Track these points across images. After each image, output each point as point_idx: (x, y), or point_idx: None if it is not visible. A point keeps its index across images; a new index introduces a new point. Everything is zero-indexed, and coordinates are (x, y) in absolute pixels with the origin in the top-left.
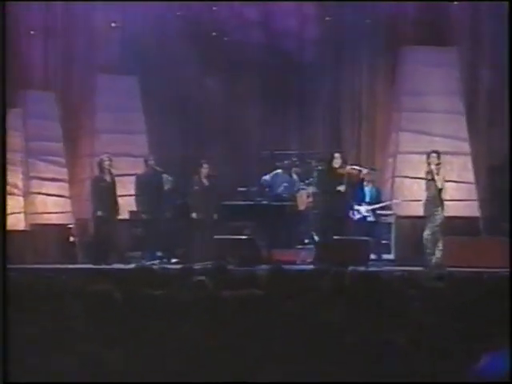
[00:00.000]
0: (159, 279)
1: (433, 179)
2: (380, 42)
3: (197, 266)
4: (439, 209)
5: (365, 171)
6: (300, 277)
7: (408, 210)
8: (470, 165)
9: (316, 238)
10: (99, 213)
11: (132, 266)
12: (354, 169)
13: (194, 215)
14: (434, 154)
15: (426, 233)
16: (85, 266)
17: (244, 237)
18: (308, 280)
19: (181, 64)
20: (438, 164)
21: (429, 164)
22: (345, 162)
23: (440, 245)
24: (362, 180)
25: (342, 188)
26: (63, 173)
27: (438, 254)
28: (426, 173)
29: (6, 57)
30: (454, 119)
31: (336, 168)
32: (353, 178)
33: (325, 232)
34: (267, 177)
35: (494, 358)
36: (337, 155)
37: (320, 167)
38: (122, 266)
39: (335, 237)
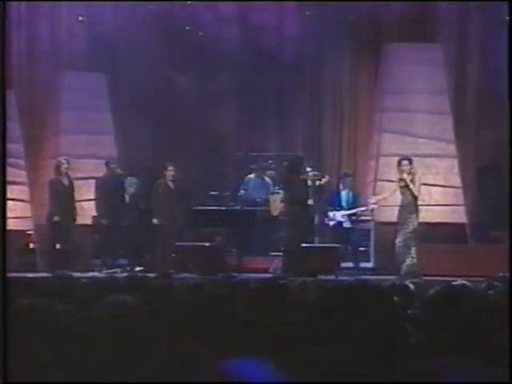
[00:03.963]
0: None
1: (406, 186)
2: (362, 38)
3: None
4: (413, 216)
5: (326, 179)
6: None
7: (388, 216)
8: (456, 168)
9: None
10: (56, 218)
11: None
12: (316, 175)
13: (157, 221)
14: (406, 161)
15: (398, 240)
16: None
17: (206, 244)
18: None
19: (152, 60)
20: (410, 171)
21: (401, 172)
22: (306, 167)
23: (412, 252)
24: (338, 184)
25: (307, 195)
26: (22, 176)
27: (409, 261)
28: (398, 180)
29: None
30: (439, 120)
31: (300, 172)
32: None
33: (290, 240)
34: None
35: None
36: (302, 160)
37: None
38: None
39: (303, 244)
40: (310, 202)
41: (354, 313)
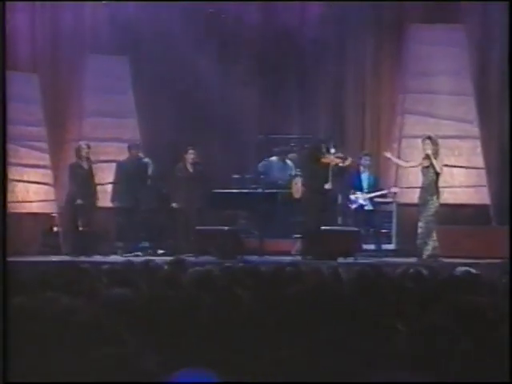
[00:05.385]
0: None
1: (429, 166)
2: (385, 19)
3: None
4: (434, 198)
5: (348, 161)
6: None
7: (410, 198)
8: (479, 149)
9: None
10: (79, 201)
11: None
12: (339, 157)
13: (177, 204)
14: (428, 140)
15: (420, 223)
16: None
17: (226, 227)
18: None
19: (175, 43)
20: (433, 149)
21: (425, 150)
22: (329, 151)
23: (434, 235)
24: (359, 167)
25: (326, 179)
26: (45, 159)
27: (430, 244)
28: (422, 159)
29: None
30: (462, 101)
31: (320, 157)
32: (337, 167)
33: (309, 223)
34: (261, 164)
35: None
36: (322, 144)
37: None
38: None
39: (323, 227)
40: (329, 186)
41: (359, 303)
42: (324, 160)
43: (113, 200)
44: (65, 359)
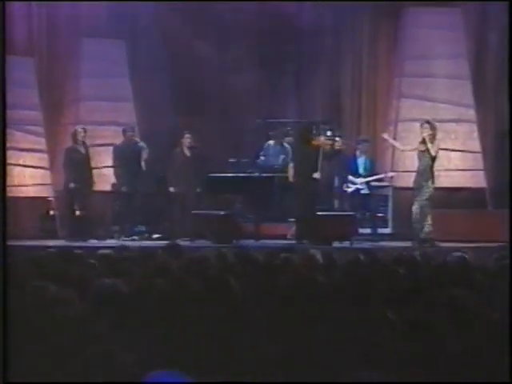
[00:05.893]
0: None
1: (425, 150)
2: (381, 2)
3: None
4: (429, 183)
5: (339, 142)
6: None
7: (406, 181)
8: (475, 133)
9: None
10: (71, 185)
11: None
12: (329, 138)
13: (174, 189)
14: (427, 125)
15: (415, 207)
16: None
17: (221, 212)
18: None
19: (171, 27)
20: (431, 134)
21: (422, 134)
22: (321, 133)
23: (428, 220)
24: (355, 151)
25: (316, 162)
26: (42, 143)
27: (425, 229)
28: (419, 143)
29: None
30: (458, 84)
31: (310, 139)
32: (328, 149)
33: (301, 207)
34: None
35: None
36: (313, 126)
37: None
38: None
39: (319, 212)
40: (318, 174)
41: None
42: (314, 142)
43: (115, 184)
44: (54, 354)
